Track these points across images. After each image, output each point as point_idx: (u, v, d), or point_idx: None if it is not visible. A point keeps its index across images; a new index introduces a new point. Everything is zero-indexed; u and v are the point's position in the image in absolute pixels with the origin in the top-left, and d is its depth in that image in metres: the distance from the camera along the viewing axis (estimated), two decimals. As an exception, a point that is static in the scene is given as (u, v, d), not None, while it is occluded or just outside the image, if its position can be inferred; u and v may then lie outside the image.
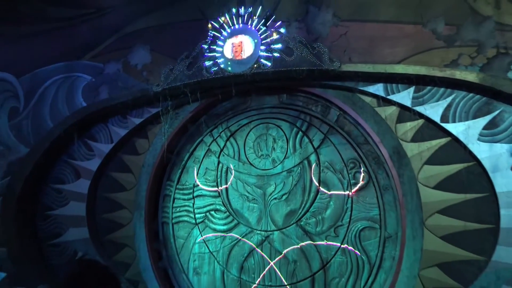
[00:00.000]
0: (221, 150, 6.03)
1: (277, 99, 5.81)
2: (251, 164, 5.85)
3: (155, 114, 6.02)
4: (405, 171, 4.85)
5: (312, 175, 5.52)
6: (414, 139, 4.84)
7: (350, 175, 5.32)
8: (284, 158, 5.68)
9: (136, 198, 6.16)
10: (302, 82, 5.38)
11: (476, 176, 4.53)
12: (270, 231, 5.64)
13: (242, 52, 5.35)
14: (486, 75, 4.40)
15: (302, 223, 5.49)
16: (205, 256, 5.96)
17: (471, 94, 4.57)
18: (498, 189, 4.34)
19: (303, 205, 5.51)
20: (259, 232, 5.69)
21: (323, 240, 5.37)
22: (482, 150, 4.46)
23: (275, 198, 5.64)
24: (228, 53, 5.40)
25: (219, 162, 6.06)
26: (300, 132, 5.64)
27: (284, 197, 5.60)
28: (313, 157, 5.55)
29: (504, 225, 4.29)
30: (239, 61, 5.36)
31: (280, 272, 5.53)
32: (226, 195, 5.93)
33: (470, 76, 4.44)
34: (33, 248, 6.34)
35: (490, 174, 4.38)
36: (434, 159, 4.73)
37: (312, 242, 5.40)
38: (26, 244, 6.29)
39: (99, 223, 6.32)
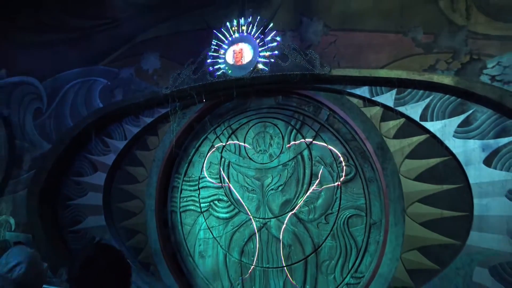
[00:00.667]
0: (224, 146, 6.29)
1: (273, 100, 6.03)
2: (250, 158, 6.10)
3: (165, 114, 6.22)
4: (388, 164, 5.05)
5: (305, 169, 5.78)
6: (396, 136, 5.05)
7: (339, 169, 5.58)
8: (280, 153, 5.93)
9: (147, 189, 6.38)
10: (296, 85, 5.54)
11: (451, 169, 4.73)
12: (267, 218, 5.89)
13: (242, 58, 5.55)
14: (460, 78, 4.61)
15: (296, 211, 5.73)
16: (209, 241, 6.20)
17: (447, 96, 4.76)
18: (471, 180, 4.56)
19: (297, 195, 5.76)
20: (257, 219, 5.96)
21: (315, 227, 5.62)
22: (457, 146, 4.66)
23: (272, 189, 5.89)
24: (230, 59, 5.63)
25: (221, 157, 6.31)
26: (294, 129, 5.88)
27: (280, 188, 5.85)
28: (306, 152, 5.81)
29: (477, 213, 4.50)
30: (240, 66, 5.56)
31: (277, 255, 5.80)
32: (228, 186, 6.18)
33: (446, 80, 4.66)
34: (56, 234, 6.61)
35: (464, 167, 4.60)
36: (414, 154, 4.93)
37: (305, 228, 5.65)
38: (49, 231, 6.56)
39: (115, 211, 6.56)
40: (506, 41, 4.56)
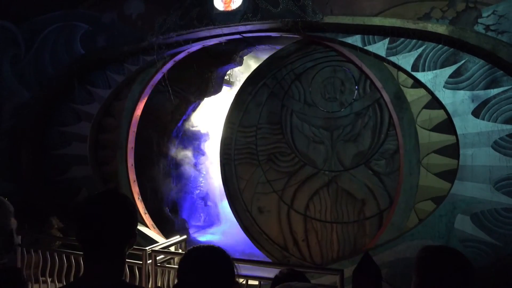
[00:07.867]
0: (285, 93, 5.86)
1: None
2: (317, 106, 5.69)
3: (150, 61, 6.01)
4: (404, 114, 4.98)
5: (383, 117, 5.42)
6: (414, 86, 4.94)
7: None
8: (353, 101, 5.55)
9: (119, 140, 6.26)
10: (288, 33, 5.36)
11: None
12: (337, 171, 5.58)
13: (232, 3, 5.30)
14: (455, 27, 4.58)
15: (371, 163, 5.45)
16: (269, 195, 5.90)
17: (440, 46, 4.75)
18: (458, 131, 4.66)
19: (372, 146, 5.44)
20: (325, 172, 5.66)
21: (391, 180, 5.31)
22: (447, 97, 4.71)
23: (342, 140, 5.54)
24: (218, 5, 5.37)
25: (283, 105, 5.88)
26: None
27: (352, 138, 5.51)
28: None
29: (462, 163, 4.63)
30: (228, 12, 5.33)
31: (347, 209, 5.53)
32: (291, 137, 5.82)
33: (441, 29, 4.62)
34: (41, 184, 6.48)
35: (452, 118, 4.67)
36: (433, 104, 4.88)
37: (380, 181, 5.39)
38: (34, 181, 6.43)
39: (99, 161, 6.45)
40: (503, -13, 4.45)
